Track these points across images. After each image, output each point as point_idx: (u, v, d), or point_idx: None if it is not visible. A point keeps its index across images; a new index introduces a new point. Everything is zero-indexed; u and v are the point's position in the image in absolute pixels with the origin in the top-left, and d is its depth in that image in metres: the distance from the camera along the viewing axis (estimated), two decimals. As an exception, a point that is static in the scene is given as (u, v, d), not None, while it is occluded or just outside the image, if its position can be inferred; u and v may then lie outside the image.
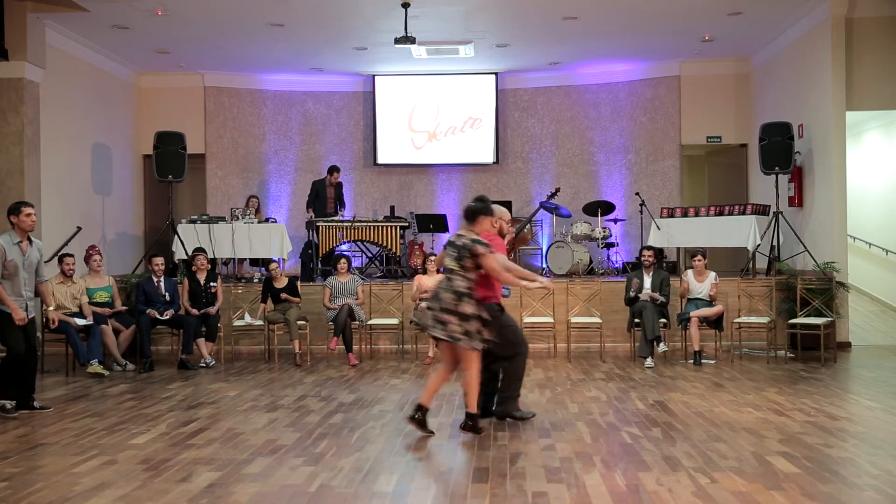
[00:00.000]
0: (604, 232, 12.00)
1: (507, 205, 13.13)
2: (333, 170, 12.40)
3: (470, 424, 5.54)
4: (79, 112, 11.58)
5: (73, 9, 9.83)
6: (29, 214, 6.43)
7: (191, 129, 12.65)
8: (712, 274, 9.28)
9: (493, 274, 5.47)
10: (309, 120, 14.16)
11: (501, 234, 6.03)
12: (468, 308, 5.39)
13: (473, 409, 5.55)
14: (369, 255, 12.87)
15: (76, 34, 11.10)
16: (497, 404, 6.02)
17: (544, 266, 12.32)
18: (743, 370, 8.45)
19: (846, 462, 4.83)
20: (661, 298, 9.05)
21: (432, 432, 5.56)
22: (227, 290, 9.93)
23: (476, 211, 5.63)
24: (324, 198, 12.29)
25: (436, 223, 12.71)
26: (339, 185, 12.50)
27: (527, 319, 9.54)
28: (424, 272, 9.71)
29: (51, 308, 7.07)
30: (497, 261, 5.49)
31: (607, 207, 12.40)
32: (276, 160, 14.09)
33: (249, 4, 10.02)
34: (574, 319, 9.59)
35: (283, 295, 9.45)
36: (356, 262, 12.60)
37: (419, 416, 5.52)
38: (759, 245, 10.55)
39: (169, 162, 11.26)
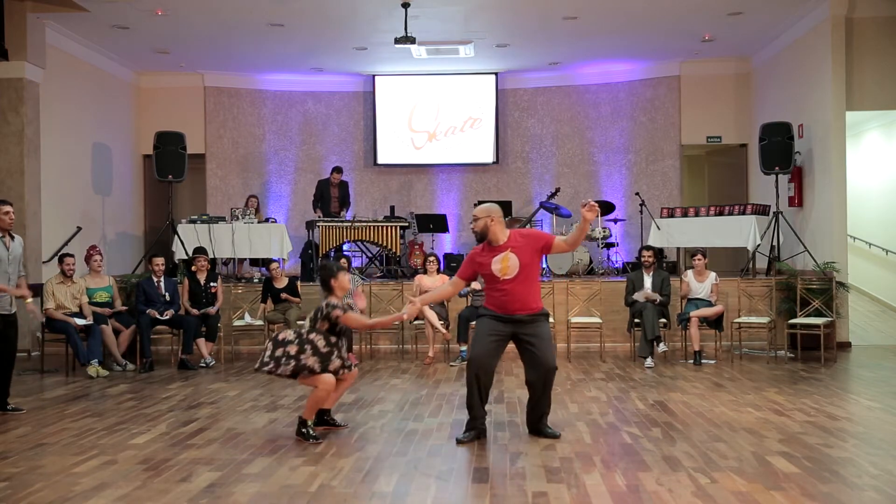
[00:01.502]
0: (604, 232, 12.00)
1: (507, 205, 13.14)
2: (335, 170, 12.41)
3: (303, 431, 5.50)
4: (79, 112, 11.59)
5: (73, 9, 9.83)
6: (7, 212, 6.41)
7: (191, 129, 12.65)
8: (712, 274, 9.28)
9: (354, 327, 5.61)
10: (309, 120, 14.17)
11: (486, 240, 5.52)
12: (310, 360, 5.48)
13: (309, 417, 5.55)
14: (369, 255, 12.87)
15: (76, 34, 11.11)
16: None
17: (544, 266, 12.31)
18: (743, 370, 8.45)
19: (846, 462, 4.83)
20: (659, 298, 9.03)
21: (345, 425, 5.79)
22: (227, 290, 9.93)
23: (322, 279, 5.61)
24: (328, 198, 12.30)
25: (436, 223, 12.71)
26: (343, 185, 12.51)
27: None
28: (425, 272, 9.71)
29: (29, 300, 6.72)
30: (351, 319, 5.58)
31: (607, 207, 12.39)
32: (276, 160, 14.09)
33: (249, 4, 10.02)
34: (574, 319, 9.59)
35: (284, 295, 9.45)
36: (356, 262, 12.60)
37: (328, 418, 5.74)
38: (759, 245, 10.55)
39: (169, 162, 11.26)
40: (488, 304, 5.52)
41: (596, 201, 5.56)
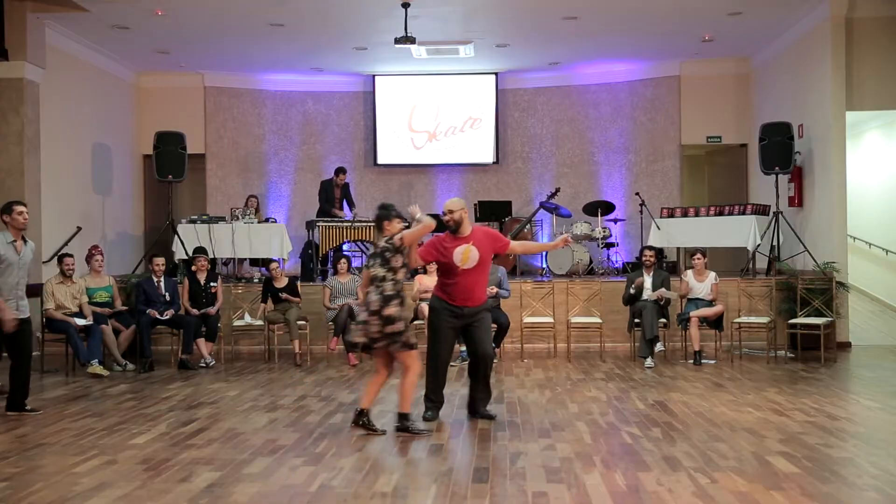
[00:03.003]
0: (604, 232, 12.00)
1: (507, 205, 13.16)
2: (339, 171, 12.40)
3: (405, 425, 5.59)
4: (79, 112, 11.58)
5: (73, 9, 9.83)
6: (21, 213, 6.40)
7: (191, 129, 12.64)
8: (712, 274, 9.28)
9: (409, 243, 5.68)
10: (309, 120, 14.17)
11: (450, 229, 5.98)
12: (390, 310, 5.46)
13: (405, 409, 5.65)
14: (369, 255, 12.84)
15: (76, 34, 11.11)
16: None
17: (544, 266, 12.32)
18: (743, 370, 8.45)
19: (846, 462, 4.83)
20: (669, 295, 9.04)
21: (383, 431, 5.61)
22: (227, 290, 9.92)
23: (378, 217, 5.76)
24: (332, 198, 12.30)
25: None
26: (345, 186, 12.51)
27: (527, 319, 9.55)
28: (425, 272, 9.70)
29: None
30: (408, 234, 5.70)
31: (607, 207, 12.40)
32: (276, 160, 14.09)
33: (249, 5, 10.02)
34: (574, 319, 9.59)
35: (283, 295, 9.45)
36: (356, 262, 12.59)
37: (364, 421, 5.62)
38: (759, 245, 10.55)
39: (169, 162, 11.26)
40: (441, 294, 6.00)
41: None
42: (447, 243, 5.96)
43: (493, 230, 6.42)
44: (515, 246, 6.55)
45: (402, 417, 5.63)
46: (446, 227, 6.03)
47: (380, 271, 5.55)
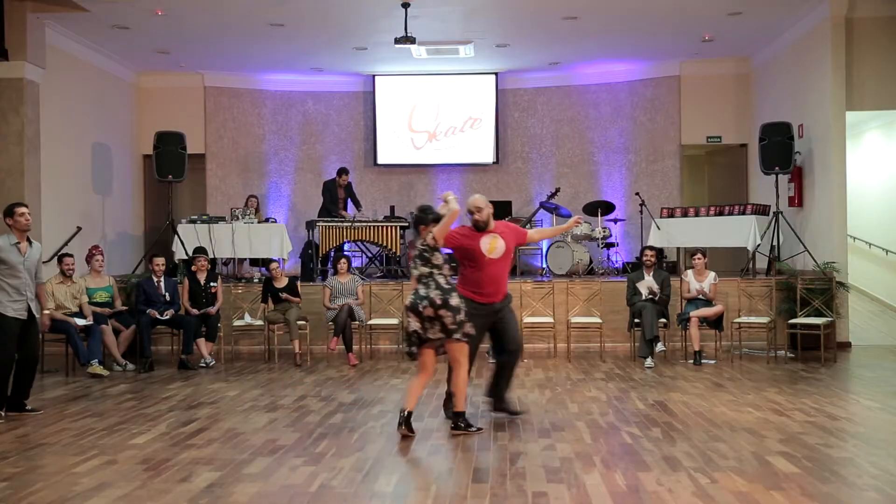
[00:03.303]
0: (604, 232, 12.00)
1: (507, 205, 13.16)
2: (341, 172, 12.40)
3: (462, 425, 5.60)
4: (79, 112, 11.58)
5: (73, 9, 9.83)
6: (23, 214, 6.40)
7: (191, 129, 12.64)
8: (712, 274, 9.28)
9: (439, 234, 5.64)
10: (309, 120, 14.17)
11: (477, 225, 5.94)
12: (454, 300, 5.51)
13: (462, 408, 5.65)
14: (369, 255, 12.87)
15: (76, 34, 11.10)
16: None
17: (544, 266, 12.32)
18: (743, 370, 8.45)
19: (846, 462, 4.83)
20: (658, 291, 9.04)
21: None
22: (227, 290, 9.93)
23: (416, 220, 5.79)
24: (335, 198, 12.30)
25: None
26: (349, 186, 12.51)
27: (527, 319, 9.54)
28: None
29: (46, 311, 6.93)
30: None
31: (607, 207, 12.39)
32: (276, 160, 14.09)
33: (249, 5, 10.02)
34: (574, 319, 9.59)
35: (284, 295, 9.45)
36: (356, 262, 12.60)
37: (408, 423, 5.54)
38: (759, 245, 10.55)
39: (169, 162, 11.26)
40: (469, 292, 5.83)
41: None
42: (470, 236, 5.95)
43: (511, 224, 6.48)
44: (533, 234, 6.54)
45: (459, 416, 5.62)
46: (474, 225, 5.95)
47: (424, 269, 5.59)
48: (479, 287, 5.88)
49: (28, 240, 6.50)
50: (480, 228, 5.92)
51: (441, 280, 5.53)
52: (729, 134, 13.28)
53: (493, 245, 5.87)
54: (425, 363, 5.65)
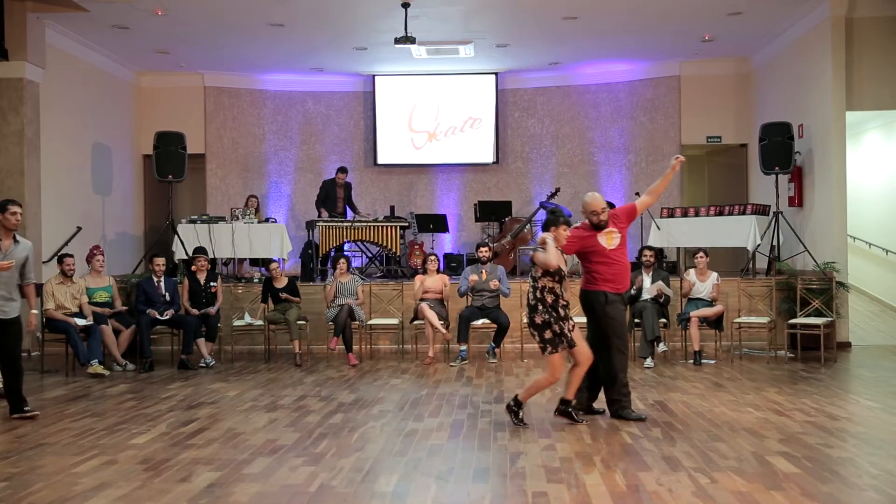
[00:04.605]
0: (604, 232, 11.98)
1: (507, 205, 13.15)
2: (340, 170, 12.40)
3: (568, 409, 5.88)
4: (79, 112, 11.58)
5: (73, 9, 9.83)
6: (14, 213, 6.27)
7: (191, 129, 12.64)
8: (714, 274, 9.28)
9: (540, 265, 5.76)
10: (309, 120, 14.17)
11: (596, 225, 6.07)
12: (538, 318, 5.74)
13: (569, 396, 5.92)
14: (369, 255, 12.87)
15: (76, 34, 11.11)
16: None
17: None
18: (743, 370, 8.45)
19: (846, 462, 4.83)
20: (668, 292, 9.05)
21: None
22: (227, 290, 9.93)
23: (545, 223, 5.96)
24: (333, 198, 12.30)
25: (436, 223, 12.71)
26: (347, 186, 12.51)
27: (527, 319, 9.51)
28: (425, 272, 9.71)
29: (34, 311, 6.68)
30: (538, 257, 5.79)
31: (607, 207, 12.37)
32: (276, 160, 14.09)
33: (249, 4, 10.02)
34: (574, 319, 9.54)
35: (283, 295, 9.45)
36: (356, 262, 12.60)
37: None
38: (759, 245, 10.54)
39: (169, 162, 11.26)
40: (608, 286, 6.05)
41: None
42: (588, 234, 6.06)
43: (618, 208, 6.44)
44: (644, 200, 6.33)
45: (566, 403, 5.88)
46: (593, 226, 6.08)
47: (530, 281, 5.84)
48: (617, 278, 6.05)
49: (15, 238, 6.34)
50: (599, 228, 6.07)
51: (530, 295, 5.83)
52: (729, 134, 13.28)
53: (610, 239, 6.05)
54: (573, 357, 5.88)
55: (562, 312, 5.76)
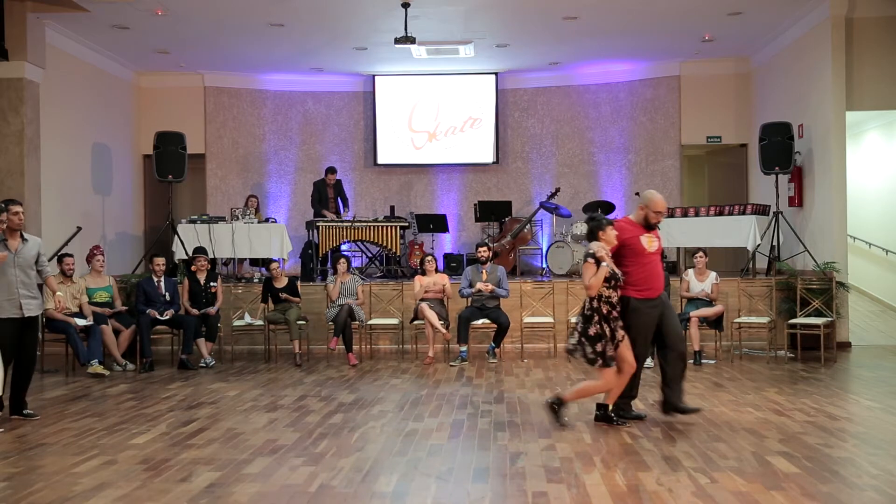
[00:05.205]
0: (604, 232, 11.97)
1: (507, 205, 13.15)
2: (329, 171, 12.39)
3: (608, 415, 5.80)
4: (79, 112, 11.58)
5: (73, 9, 9.83)
6: (16, 213, 6.29)
7: (191, 129, 12.65)
8: (713, 274, 9.28)
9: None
10: (309, 120, 14.17)
11: (649, 224, 6.02)
12: (592, 329, 5.63)
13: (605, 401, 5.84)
14: (369, 255, 12.87)
15: (76, 34, 11.10)
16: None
17: (544, 266, 12.32)
18: (743, 370, 8.45)
19: (846, 462, 4.83)
20: None
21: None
22: (227, 290, 9.93)
23: (591, 230, 5.85)
24: (325, 198, 12.30)
25: (436, 223, 12.71)
26: (338, 184, 12.50)
27: (527, 319, 9.54)
28: (423, 273, 9.71)
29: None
30: (587, 272, 5.66)
31: (607, 207, 12.40)
32: (276, 160, 14.09)
33: (249, 4, 10.02)
34: (574, 319, 9.54)
35: (283, 295, 9.45)
36: (356, 262, 12.60)
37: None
38: (759, 245, 10.55)
39: (169, 162, 11.25)
40: (638, 292, 5.81)
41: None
42: (632, 229, 5.97)
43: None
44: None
45: (604, 408, 5.82)
46: (649, 225, 6.01)
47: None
48: (648, 282, 5.88)
49: (22, 237, 6.38)
50: (650, 227, 6.01)
51: (585, 304, 5.74)
52: (729, 134, 13.28)
53: (650, 241, 5.98)
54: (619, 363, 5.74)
55: (615, 325, 5.63)
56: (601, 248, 5.65)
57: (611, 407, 5.81)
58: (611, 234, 5.74)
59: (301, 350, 9.29)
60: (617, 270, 5.68)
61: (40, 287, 6.67)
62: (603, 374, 5.66)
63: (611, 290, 5.64)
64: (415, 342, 9.80)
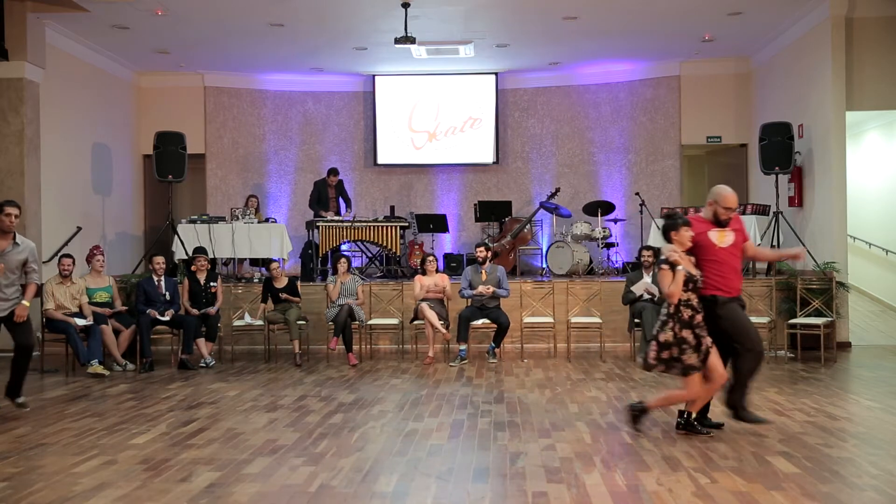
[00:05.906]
0: (604, 232, 12.00)
1: (507, 205, 13.16)
2: (331, 172, 12.39)
3: (691, 423, 5.53)
4: (79, 112, 11.59)
5: (73, 9, 9.83)
6: (9, 214, 6.23)
7: (191, 129, 12.65)
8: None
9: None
10: (309, 120, 14.17)
11: (719, 220, 5.64)
12: (663, 336, 5.36)
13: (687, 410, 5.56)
14: (369, 255, 12.87)
15: (76, 34, 11.11)
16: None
17: (544, 266, 12.32)
18: (743, 370, 8.43)
19: (846, 462, 4.83)
20: (655, 291, 9.03)
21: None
22: (227, 290, 9.93)
23: (664, 229, 5.61)
24: (325, 198, 12.30)
25: (436, 223, 12.71)
26: (339, 185, 12.50)
27: (527, 319, 9.55)
28: (424, 273, 9.70)
29: (24, 302, 6.42)
30: (664, 279, 5.39)
31: (607, 207, 12.40)
32: (276, 160, 14.09)
33: (249, 4, 10.02)
34: (574, 319, 9.58)
35: (283, 295, 9.45)
36: (356, 262, 12.60)
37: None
38: (759, 245, 10.54)
39: (169, 162, 11.25)
40: (719, 290, 5.46)
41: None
42: (700, 226, 5.61)
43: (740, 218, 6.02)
44: (749, 245, 5.90)
45: (686, 415, 5.53)
46: (719, 221, 5.62)
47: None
48: (727, 278, 5.51)
49: (15, 240, 6.33)
50: (720, 224, 5.65)
51: (663, 311, 5.47)
52: (729, 134, 13.29)
53: (722, 236, 5.59)
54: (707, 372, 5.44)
55: (701, 332, 5.31)
56: (673, 251, 5.39)
57: (694, 415, 5.52)
58: (685, 235, 5.42)
59: (301, 350, 9.29)
60: (695, 272, 5.38)
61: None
62: (687, 383, 5.34)
63: (689, 293, 5.32)
64: (415, 342, 9.80)
